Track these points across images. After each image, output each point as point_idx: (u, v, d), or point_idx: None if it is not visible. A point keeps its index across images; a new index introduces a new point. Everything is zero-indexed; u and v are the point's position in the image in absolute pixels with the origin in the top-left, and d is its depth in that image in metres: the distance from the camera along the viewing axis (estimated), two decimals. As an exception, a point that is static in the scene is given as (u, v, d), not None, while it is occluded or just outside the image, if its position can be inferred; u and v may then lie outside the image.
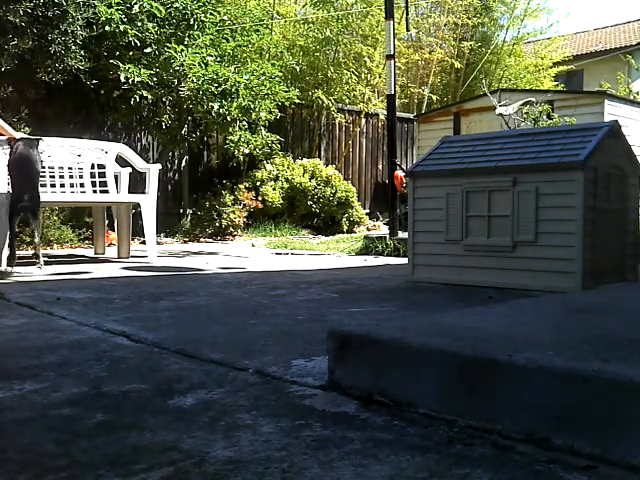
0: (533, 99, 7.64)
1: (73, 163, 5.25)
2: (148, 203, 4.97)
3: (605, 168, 3.21)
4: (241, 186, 8.61)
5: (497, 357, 1.23)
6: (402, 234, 5.79)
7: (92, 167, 5.37)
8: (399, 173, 6.03)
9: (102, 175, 5.36)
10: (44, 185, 4.99)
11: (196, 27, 7.18)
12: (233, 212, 8.28)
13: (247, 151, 8.14)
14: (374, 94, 10.98)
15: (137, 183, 6.93)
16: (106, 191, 5.32)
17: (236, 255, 5.97)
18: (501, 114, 7.43)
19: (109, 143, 5.70)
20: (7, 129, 4.25)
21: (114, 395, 1.47)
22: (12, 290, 3.21)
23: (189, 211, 8.78)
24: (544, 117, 7.06)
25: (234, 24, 8.05)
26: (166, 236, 8.05)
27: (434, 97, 13.17)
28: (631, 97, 12.90)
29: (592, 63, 18.41)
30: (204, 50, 7.11)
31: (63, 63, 6.23)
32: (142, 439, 1.19)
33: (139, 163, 5.22)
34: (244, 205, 8.47)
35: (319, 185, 9.19)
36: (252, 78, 7.35)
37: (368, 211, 10.57)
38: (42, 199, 4.19)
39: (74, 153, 5.24)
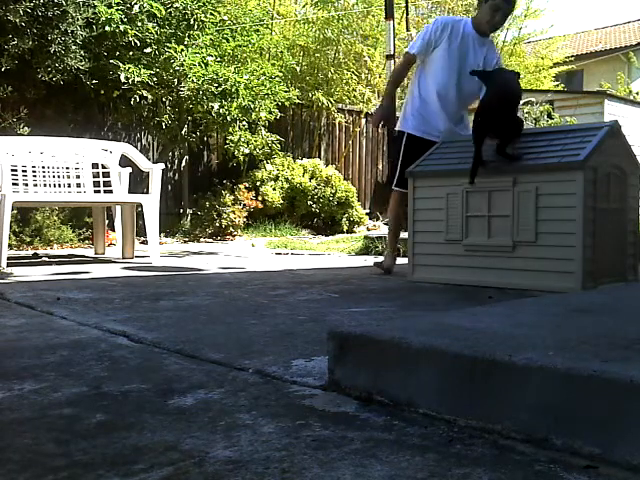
0: (533, 99, 7.65)
1: (76, 163, 5.24)
2: (151, 203, 4.95)
3: (605, 168, 3.21)
4: (241, 186, 8.61)
5: (497, 357, 1.23)
6: (402, 234, 5.78)
7: (95, 167, 5.36)
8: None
9: (104, 175, 5.35)
10: (45, 185, 5.00)
11: (196, 27, 7.19)
12: (233, 212, 8.27)
13: (247, 151, 8.15)
14: (374, 94, 10.98)
15: (137, 183, 6.94)
16: (110, 191, 5.30)
17: (236, 255, 5.97)
18: (501, 114, 7.41)
19: (114, 143, 5.68)
20: None
21: (114, 395, 1.47)
22: (12, 290, 3.21)
23: (189, 211, 8.78)
24: (545, 117, 7.07)
25: (234, 24, 8.05)
26: (166, 236, 8.05)
27: (434, 97, 13.16)
28: (631, 97, 12.90)
29: (592, 63, 18.44)
30: (204, 50, 7.12)
31: (63, 63, 6.23)
32: (142, 439, 1.19)
33: (144, 163, 5.20)
34: (244, 205, 8.47)
35: (319, 185, 9.19)
36: (252, 78, 7.36)
37: (368, 211, 10.57)
38: (43, 199, 4.17)
39: (78, 153, 5.22)
